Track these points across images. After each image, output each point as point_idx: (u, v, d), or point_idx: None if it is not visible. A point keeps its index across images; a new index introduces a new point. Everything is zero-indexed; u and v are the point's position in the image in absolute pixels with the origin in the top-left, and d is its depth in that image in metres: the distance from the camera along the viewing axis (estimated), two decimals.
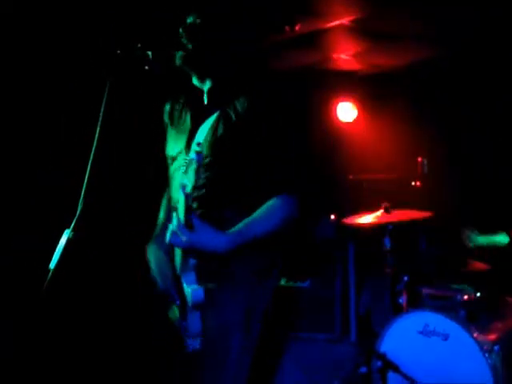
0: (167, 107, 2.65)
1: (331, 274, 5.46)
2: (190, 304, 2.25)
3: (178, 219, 2.15)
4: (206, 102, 2.48)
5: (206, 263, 2.27)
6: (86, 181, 2.14)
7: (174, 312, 2.49)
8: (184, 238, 2.13)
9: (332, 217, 5.75)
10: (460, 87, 5.53)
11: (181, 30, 2.39)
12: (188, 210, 2.10)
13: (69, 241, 2.09)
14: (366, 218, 4.33)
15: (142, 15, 3.21)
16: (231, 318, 2.33)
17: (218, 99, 2.43)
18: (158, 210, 2.72)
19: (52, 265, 2.07)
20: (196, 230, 2.14)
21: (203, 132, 2.39)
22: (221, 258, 2.26)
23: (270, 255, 2.45)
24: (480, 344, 3.24)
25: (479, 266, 3.97)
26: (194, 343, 2.37)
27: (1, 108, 3.34)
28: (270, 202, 2.32)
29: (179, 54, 2.37)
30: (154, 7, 3.24)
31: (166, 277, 2.48)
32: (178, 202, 2.22)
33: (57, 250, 2.09)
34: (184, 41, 2.37)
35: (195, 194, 2.20)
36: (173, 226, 2.16)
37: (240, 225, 2.26)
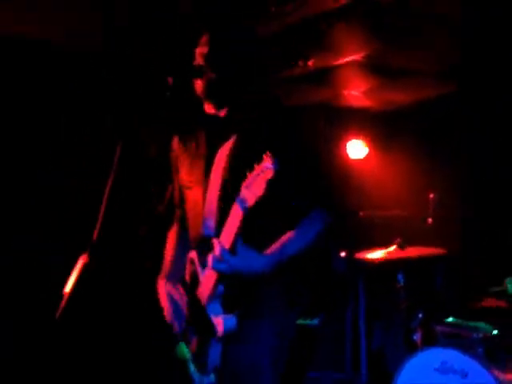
0: (175, 137, 2.63)
1: (342, 311, 5.37)
2: (218, 334, 2.19)
3: (221, 244, 2.10)
4: (221, 128, 2.45)
5: (235, 291, 2.23)
6: (103, 207, 2.12)
7: (182, 350, 2.42)
8: (228, 263, 2.09)
9: (343, 253, 5.68)
10: (471, 124, 5.53)
11: (200, 57, 2.39)
12: (241, 229, 2.04)
13: (85, 266, 2.05)
14: (379, 254, 4.28)
15: (165, 42, 3.22)
16: (262, 349, 2.28)
17: (235, 124, 2.41)
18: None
19: (67, 289, 2.02)
20: (239, 254, 2.10)
21: (223, 155, 2.36)
22: (252, 285, 2.22)
23: (296, 285, 2.41)
24: (500, 382, 3.15)
25: (496, 303, 3.89)
26: (209, 379, 2.30)
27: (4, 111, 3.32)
28: (304, 221, 2.29)
29: (200, 83, 2.37)
30: (173, 36, 3.25)
31: (179, 313, 2.44)
32: (210, 226, 2.18)
33: (72, 274, 2.04)
34: (204, 68, 2.36)
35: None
36: (215, 251, 2.10)
37: (277, 244, 2.23)
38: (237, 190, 2.03)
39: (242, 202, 1.99)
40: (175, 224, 2.68)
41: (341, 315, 5.35)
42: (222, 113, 2.45)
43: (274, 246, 2.23)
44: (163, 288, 2.52)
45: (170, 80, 2.27)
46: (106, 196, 2.13)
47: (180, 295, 2.46)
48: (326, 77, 5.12)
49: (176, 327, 2.44)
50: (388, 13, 3.96)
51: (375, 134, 6.27)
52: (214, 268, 2.14)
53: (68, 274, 2.03)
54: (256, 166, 1.94)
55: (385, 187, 5.86)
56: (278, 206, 2.31)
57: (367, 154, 6.25)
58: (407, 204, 5.56)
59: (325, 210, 2.35)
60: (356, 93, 5.63)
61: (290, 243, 2.25)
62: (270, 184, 1.90)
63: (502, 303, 3.92)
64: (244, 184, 1.98)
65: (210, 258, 2.14)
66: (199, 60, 2.38)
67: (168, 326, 2.47)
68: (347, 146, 6.25)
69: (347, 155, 6.25)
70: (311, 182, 2.35)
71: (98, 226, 2.10)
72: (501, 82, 5.19)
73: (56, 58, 3.45)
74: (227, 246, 2.09)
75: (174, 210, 2.67)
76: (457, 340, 3.72)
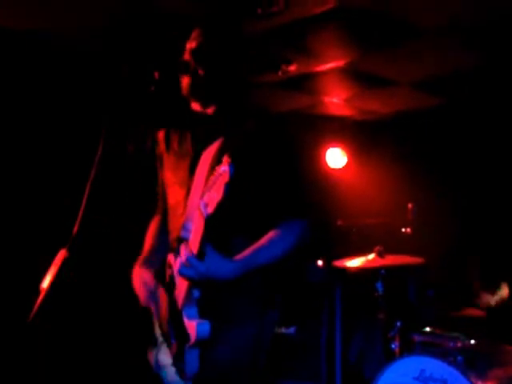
0: (161, 135, 2.58)
1: (318, 320, 5.33)
2: (193, 339, 2.13)
3: (188, 249, 2.04)
4: (208, 127, 2.41)
5: (210, 296, 2.18)
6: (83, 202, 2.06)
7: (157, 356, 2.37)
8: (195, 269, 2.03)
9: (320, 262, 5.65)
10: (450, 134, 5.57)
11: (187, 52, 2.35)
12: (205, 235, 1.97)
13: (64, 261, 1.98)
14: (358, 262, 4.26)
15: (150, 35, 3.17)
16: (238, 355, 2.24)
17: (222, 124, 2.37)
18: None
19: (44, 284, 1.96)
20: (206, 260, 2.04)
21: (209, 155, 2.31)
22: (226, 290, 2.18)
23: (272, 288, 2.36)
24: None
25: (474, 312, 3.90)
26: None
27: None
28: (280, 228, 2.25)
29: (187, 80, 2.33)
30: (162, 30, 3.20)
31: (154, 300, 2.38)
32: (189, 229, 2.13)
33: (50, 269, 1.98)
34: (191, 63, 2.32)
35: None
36: (182, 256, 2.04)
37: (248, 251, 2.18)
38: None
39: (205, 206, 1.91)
40: (157, 215, 2.63)
41: (317, 324, 5.31)
42: (209, 111, 2.41)
43: (246, 253, 2.18)
44: (138, 275, 2.43)
45: (156, 74, 2.23)
46: (86, 190, 2.07)
47: (155, 284, 2.38)
48: (307, 83, 5.11)
49: (152, 312, 2.38)
50: (370, 21, 3.96)
51: (355, 143, 6.27)
52: (180, 273, 2.07)
53: (46, 269, 1.97)
54: (216, 168, 1.88)
55: (363, 196, 5.86)
56: (251, 212, 2.27)
57: (346, 163, 6.24)
58: (386, 213, 5.56)
59: (301, 219, 2.29)
60: (337, 100, 5.62)
61: (263, 251, 2.20)
62: (231, 188, 1.82)
63: (478, 313, 3.93)
64: (206, 187, 1.92)
65: (176, 263, 2.09)
66: (187, 56, 2.34)
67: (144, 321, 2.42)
68: (326, 155, 6.24)
69: (326, 164, 6.23)
70: (283, 190, 2.29)
71: (77, 220, 2.04)
72: (492, 131, 5.26)
73: (39, 49, 3.38)
74: (195, 251, 2.02)
75: (155, 203, 2.63)
76: (435, 349, 3.70)
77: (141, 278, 2.41)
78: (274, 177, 2.26)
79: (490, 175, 5.29)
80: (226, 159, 1.85)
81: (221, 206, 1.86)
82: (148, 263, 2.46)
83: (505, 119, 5.29)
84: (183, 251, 2.04)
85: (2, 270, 3.11)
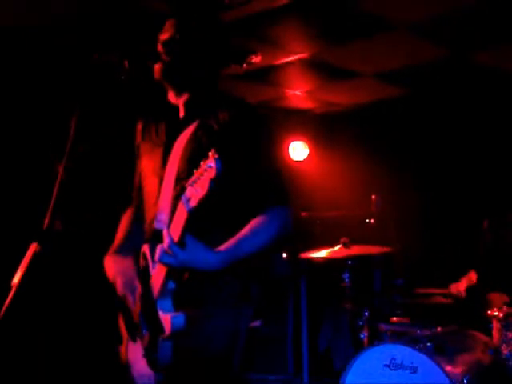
0: (139, 126, 2.55)
1: (283, 312, 5.34)
2: (165, 333, 2.10)
3: (170, 237, 2.00)
4: (181, 115, 2.38)
5: (185, 287, 2.15)
6: (54, 195, 2.00)
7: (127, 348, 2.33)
8: (176, 257, 2.00)
9: (284, 254, 5.65)
10: (413, 125, 5.63)
11: (159, 43, 2.32)
12: (187, 226, 1.95)
13: (35, 255, 1.92)
14: (324, 253, 4.27)
15: (121, 25, 3.10)
16: (214, 347, 2.19)
17: (195, 112, 2.34)
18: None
19: (15, 280, 1.89)
20: (187, 248, 2.01)
21: (180, 144, 2.28)
22: (202, 282, 2.14)
23: (248, 279, 2.32)
24: (450, 376, 3.16)
25: (440, 299, 3.94)
26: (159, 377, 2.21)
27: None
28: (263, 216, 2.21)
29: (158, 66, 2.30)
30: (132, 18, 3.14)
31: (132, 286, 2.32)
32: (163, 220, 2.10)
33: (21, 264, 1.91)
34: (163, 54, 2.29)
35: None
36: (164, 244, 2.01)
37: (232, 240, 2.15)
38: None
39: (187, 201, 1.90)
40: (131, 207, 2.60)
41: (283, 317, 5.31)
42: (182, 99, 2.38)
43: (230, 242, 2.14)
44: (112, 262, 2.39)
45: (126, 63, 2.18)
46: (57, 182, 2.01)
47: (133, 268, 2.34)
48: (269, 75, 5.10)
49: (130, 300, 2.32)
50: (336, 13, 3.97)
51: (316, 136, 6.29)
52: (160, 261, 2.04)
53: (17, 265, 1.91)
54: (202, 164, 1.86)
55: (327, 188, 5.89)
56: (231, 202, 2.24)
57: (308, 156, 6.25)
58: (349, 205, 5.60)
59: (282, 207, 2.25)
60: (299, 93, 5.62)
61: (246, 241, 2.16)
62: (217, 182, 1.81)
63: (444, 300, 3.98)
64: (189, 181, 1.90)
65: (157, 250, 2.05)
66: (159, 47, 2.32)
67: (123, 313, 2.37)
68: (289, 148, 6.24)
69: (288, 156, 6.23)
70: (265, 178, 2.25)
71: (48, 213, 1.98)
72: (455, 120, 5.32)
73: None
74: (176, 239, 2.00)
75: (130, 194, 2.59)
76: (404, 337, 3.73)
77: (116, 265, 2.37)
78: (255, 165, 2.23)
79: (452, 164, 5.37)
80: (212, 154, 1.82)
81: (204, 201, 1.85)
82: (122, 251, 2.43)
83: (467, 110, 5.37)
84: (166, 238, 2.01)
85: None
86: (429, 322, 3.79)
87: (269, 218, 2.20)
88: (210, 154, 1.83)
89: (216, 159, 1.80)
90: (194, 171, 1.87)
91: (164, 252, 2.01)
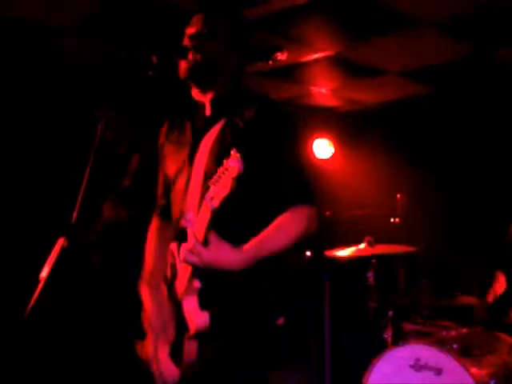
0: (163, 128, 2.54)
1: (306, 309, 5.31)
2: (192, 331, 2.09)
3: (194, 236, 1.99)
4: (207, 114, 2.37)
5: (210, 286, 2.12)
6: (82, 190, 2.00)
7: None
8: (200, 256, 1.99)
9: (308, 253, 5.63)
10: (438, 124, 5.57)
11: (186, 38, 2.31)
12: (210, 225, 1.95)
13: (63, 249, 1.92)
14: (349, 251, 4.25)
15: (148, 21, 3.11)
16: (238, 348, 2.17)
17: (222, 110, 2.33)
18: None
19: (44, 274, 1.90)
20: (212, 247, 1.99)
21: (207, 142, 2.27)
22: (231, 280, 2.12)
23: (273, 278, 2.28)
24: (475, 378, 3.12)
25: (466, 300, 3.90)
26: (184, 375, 2.21)
27: None
28: (287, 214, 2.16)
29: (184, 63, 2.28)
30: (159, 14, 3.14)
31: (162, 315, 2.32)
32: (190, 219, 2.09)
33: (49, 258, 1.92)
34: (189, 49, 2.28)
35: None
36: (188, 243, 2.00)
37: (256, 239, 2.10)
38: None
39: (210, 199, 1.89)
40: (155, 219, 2.58)
41: (305, 314, 5.29)
42: (207, 98, 2.37)
43: (252, 241, 2.10)
44: (146, 292, 2.40)
45: (154, 59, 2.17)
46: (85, 178, 2.02)
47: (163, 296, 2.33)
48: (295, 73, 5.08)
49: (157, 329, 2.30)
50: (361, 9, 3.94)
51: (341, 134, 6.25)
52: (185, 260, 2.03)
53: (45, 259, 1.92)
54: (224, 162, 1.85)
55: (351, 187, 5.85)
56: (255, 200, 2.21)
57: (333, 154, 6.22)
58: (374, 204, 5.57)
59: (307, 205, 2.19)
60: (324, 91, 5.59)
61: (269, 239, 2.11)
62: (238, 181, 1.80)
63: (471, 300, 3.94)
64: (212, 180, 1.89)
65: (182, 250, 2.05)
66: (186, 41, 2.30)
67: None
68: (313, 146, 6.21)
69: (313, 155, 6.21)
70: (290, 176, 2.21)
71: (76, 208, 1.98)
72: (481, 121, 5.26)
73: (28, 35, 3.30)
74: (200, 238, 1.99)
75: (153, 203, 2.58)
76: (428, 337, 3.70)
77: (153, 299, 2.36)
78: (280, 163, 2.20)
79: (478, 164, 5.31)
80: (234, 153, 1.82)
81: (227, 200, 1.84)
82: (153, 279, 2.41)
83: (492, 108, 5.31)
84: (190, 237, 2.00)
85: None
86: (454, 323, 3.76)
87: (293, 217, 2.15)
88: (231, 152, 1.82)
89: (237, 158, 1.80)
90: (218, 169, 1.87)
91: (188, 251, 2.00)
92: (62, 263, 1.89)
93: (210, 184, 1.90)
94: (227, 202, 1.86)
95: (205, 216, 1.95)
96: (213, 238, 2.00)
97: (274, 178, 2.19)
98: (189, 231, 2.02)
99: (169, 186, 2.45)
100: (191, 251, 1.99)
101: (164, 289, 2.33)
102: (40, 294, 1.86)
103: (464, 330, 3.66)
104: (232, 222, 2.13)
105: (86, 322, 3.63)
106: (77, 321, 3.56)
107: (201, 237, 1.99)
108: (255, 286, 2.21)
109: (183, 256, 2.03)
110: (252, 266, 2.08)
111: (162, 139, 2.52)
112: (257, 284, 2.21)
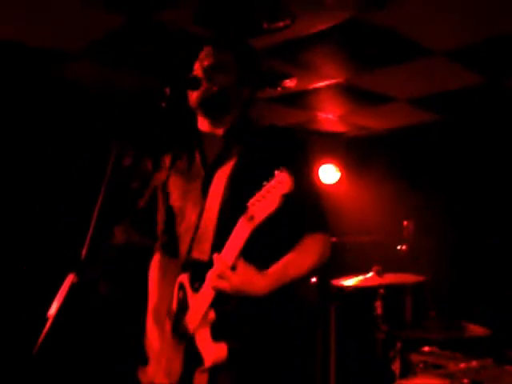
0: (167, 157, 2.51)
1: (311, 339, 5.25)
2: (205, 364, 2.07)
3: (223, 261, 1.99)
4: (220, 147, 2.34)
5: (227, 317, 2.12)
6: (92, 225, 1.97)
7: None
8: (230, 281, 1.99)
9: (313, 279, 5.57)
10: (445, 151, 5.55)
11: (199, 70, 2.30)
12: (243, 248, 1.96)
13: (72, 286, 1.89)
14: (356, 281, 4.19)
15: (161, 52, 3.09)
16: (257, 377, 2.15)
17: (235, 142, 2.31)
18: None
19: (51, 311, 1.86)
20: (240, 272, 2.00)
21: (222, 176, 2.24)
22: (251, 309, 2.12)
23: (297, 308, 2.29)
24: None
25: (476, 330, 3.84)
26: None
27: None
28: (306, 241, 2.19)
29: (197, 94, 2.27)
30: (172, 45, 3.13)
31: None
32: (204, 250, 2.06)
33: (58, 295, 1.88)
34: (200, 80, 2.26)
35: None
36: (216, 269, 2.00)
37: (278, 265, 2.12)
38: (239, 211, 1.94)
39: (250, 218, 1.90)
40: (157, 254, 2.56)
41: (311, 344, 5.22)
42: (219, 131, 2.34)
43: (276, 266, 2.12)
44: (151, 322, 2.40)
45: (167, 90, 2.15)
46: (94, 214, 1.98)
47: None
48: (303, 99, 5.07)
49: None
50: (377, 39, 3.92)
51: (347, 159, 6.23)
52: (213, 286, 2.02)
53: (53, 295, 1.88)
54: (266, 183, 1.87)
55: (358, 213, 5.81)
56: (273, 227, 2.20)
57: (339, 179, 6.20)
58: (381, 230, 5.52)
59: (323, 233, 2.25)
60: (331, 117, 5.58)
61: (292, 266, 2.14)
62: (284, 199, 1.83)
63: (481, 331, 3.87)
64: (251, 202, 1.89)
65: (209, 275, 2.03)
66: (198, 72, 2.29)
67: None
68: (319, 171, 6.19)
69: (319, 180, 6.18)
70: (316, 204, 2.27)
71: (86, 243, 1.95)
72: (488, 148, 5.25)
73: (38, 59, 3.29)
74: (229, 263, 1.99)
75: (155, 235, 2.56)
76: (437, 370, 3.63)
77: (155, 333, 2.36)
78: (299, 191, 2.18)
79: (485, 191, 5.27)
80: (282, 171, 1.84)
81: (270, 218, 1.86)
82: (158, 315, 2.41)
83: (501, 136, 5.28)
84: (218, 262, 1.99)
85: (8, 295, 2.99)
86: (463, 354, 3.69)
87: (312, 244, 2.20)
88: (278, 171, 1.85)
89: (288, 174, 1.84)
90: (257, 192, 1.87)
91: (218, 276, 1.99)
92: (72, 300, 1.86)
93: (248, 205, 1.90)
94: (268, 225, 1.89)
95: (239, 238, 1.96)
96: (240, 262, 2.00)
97: (292, 206, 2.17)
98: (215, 257, 2.02)
99: (172, 220, 2.42)
100: (221, 276, 1.98)
101: (167, 323, 2.31)
102: (48, 332, 1.83)
103: (474, 363, 3.59)
104: (252, 247, 2.11)
105: (90, 345, 3.58)
106: (81, 344, 3.52)
107: (230, 261, 1.99)
108: (277, 313, 2.21)
109: (211, 282, 2.01)
110: (275, 292, 2.08)
111: (164, 172, 2.49)
112: (278, 310, 2.21)
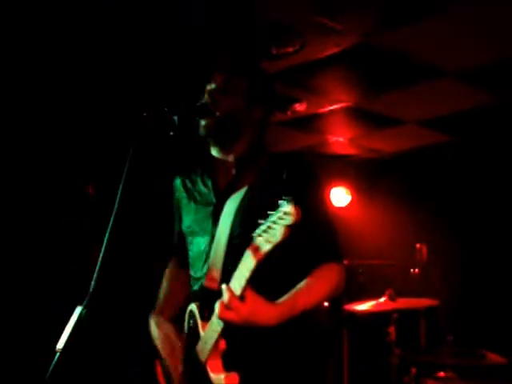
0: (178, 181, 2.49)
1: (323, 365, 5.18)
2: None
3: (231, 291, 1.93)
4: (231, 174, 2.32)
5: (240, 346, 2.07)
6: (100, 258, 1.94)
7: None
8: (238, 312, 1.92)
9: (325, 304, 5.52)
10: (457, 172, 5.51)
11: (206, 96, 2.27)
12: (251, 279, 1.89)
13: (80, 319, 1.86)
14: (369, 305, 4.14)
15: (170, 80, 3.09)
16: None
17: (246, 170, 2.28)
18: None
19: (60, 345, 1.83)
20: (248, 302, 1.93)
21: (233, 204, 2.22)
22: (261, 339, 2.08)
23: (309, 336, 2.25)
24: None
25: (493, 357, 3.77)
26: None
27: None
28: (320, 271, 2.13)
29: (206, 122, 2.25)
30: (180, 73, 3.13)
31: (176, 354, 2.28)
32: (214, 278, 2.03)
33: (66, 328, 1.85)
34: (210, 107, 2.24)
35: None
36: (224, 299, 1.94)
37: (289, 296, 2.06)
38: (247, 241, 1.87)
39: (256, 250, 1.83)
40: (171, 262, 2.55)
41: (323, 371, 5.15)
42: (231, 157, 2.32)
43: (286, 297, 2.06)
44: (154, 326, 2.38)
45: (176, 119, 2.14)
46: (104, 246, 1.96)
47: (176, 334, 2.32)
48: (313, 122, 5.06)
49: (171, 365, 2.28)
50: (387, 62, 3.91)
51: (358, 182, 6.20)
52: (221, 317, 1.96)
53: (61, 329, 1.85)
54: (271, 214, 1.79)
55: (369, 236, 5.76)
56: (285, 256, 2.16)
57: (350, 202, 6.16)
58: (393, 254, 5.47)
59: (337, 263, 2.18)
60: (342, 139, 5.56)
61: (302, 297, 2.08)
62: (291, 230, 1.75)
63: (498, 358, 3.80)
64: (257, 233, 1.83)
65: (217, 306, 1.97)
66: (207, 98, 2.26)
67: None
68: (330, 194, 6.16)
69: (330, 203, 6.15)
70: (328, 232, 2.22)
71: (94, 276, 1.92)
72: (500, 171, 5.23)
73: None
74: (238, 293, 1.93)
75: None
76: None
77: (160, 330, 2.35)
78: (313, 220, 2.12)
79: (499, 213, 5.21)
80: (287, 202, 1.75)
81: (280, 248, 1.78)
82: (164, 312, 2.41)
83: (509, 157, 5.24)
84: (227, 293, 1.93)
85: (8, 295, 2.97)
86: (479, 381, 3.63)
87: (326, 275, 2.13)
88: (284, 202, 1.76)
89: (294, 205, 1.74)
90: (261, 222, 1.81)
91: (225, 307, 1.94)
92: (80, 334, 1.83)
93: (254, 236, 1.83)
94: (273, 257, 1.81)
95: (245, 269, 1.90)
96: (249, 292, 1.94)
97: (304, 235, 2.13)
98: (224, 287, 1.96)
99: (183, 242, 2.41)
100: (228, 307, 1.93)
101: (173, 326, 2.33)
102: (57, 365, 1.80)
103: None
104: (263, 277, 2.08)
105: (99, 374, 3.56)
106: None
107: (238, 291, 1.93)
108: (288, 342, 2.17)
109: (219, 312, 1.96)
110: (285, 323, 2.02)
111: (177, 197, 2.48)
112: (290, 339, 2.16)
